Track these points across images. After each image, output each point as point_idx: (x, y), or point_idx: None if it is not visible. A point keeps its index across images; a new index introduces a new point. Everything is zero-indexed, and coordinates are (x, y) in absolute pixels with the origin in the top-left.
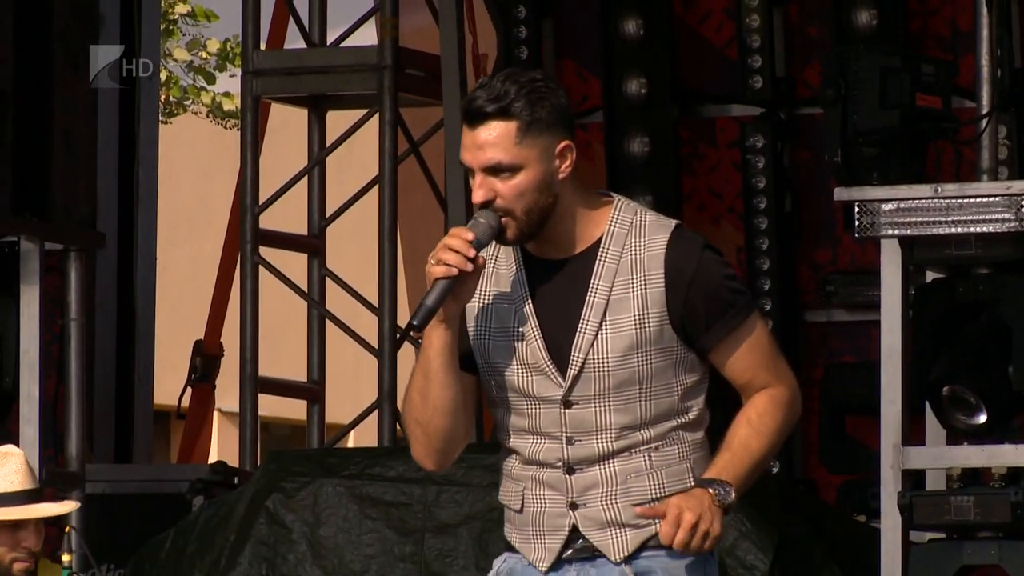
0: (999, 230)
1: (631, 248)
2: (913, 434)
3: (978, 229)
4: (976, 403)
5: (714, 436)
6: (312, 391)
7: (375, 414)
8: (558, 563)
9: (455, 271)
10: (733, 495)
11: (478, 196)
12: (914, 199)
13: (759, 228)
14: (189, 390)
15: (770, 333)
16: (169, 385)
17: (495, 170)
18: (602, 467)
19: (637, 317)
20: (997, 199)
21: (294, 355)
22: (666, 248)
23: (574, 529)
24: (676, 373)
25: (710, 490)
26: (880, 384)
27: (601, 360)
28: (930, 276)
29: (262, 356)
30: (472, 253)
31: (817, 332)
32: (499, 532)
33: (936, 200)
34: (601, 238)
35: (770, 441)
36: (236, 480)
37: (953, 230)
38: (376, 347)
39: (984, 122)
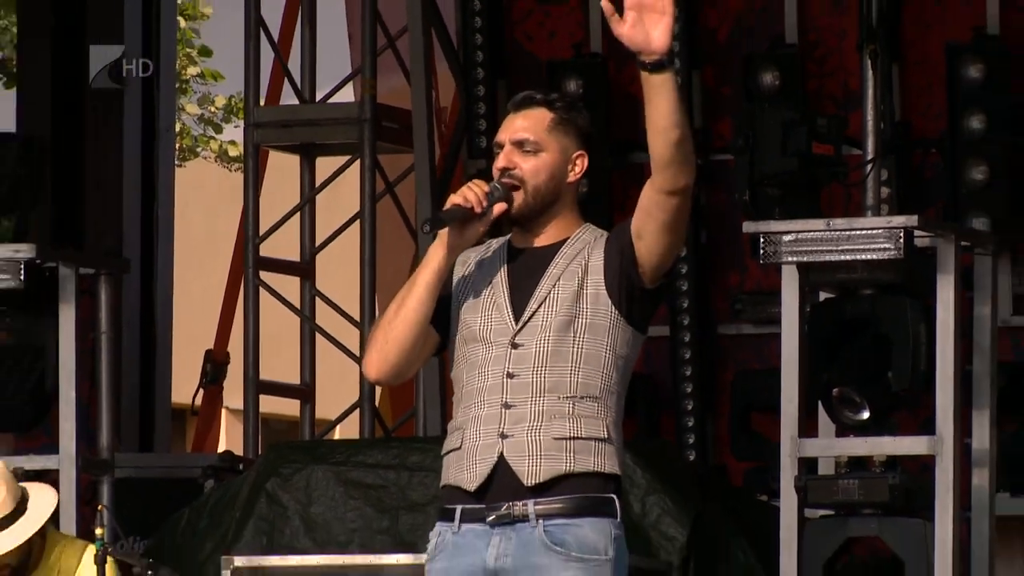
0: (881, 258)
1: (589, 245)
2: (808, 428)
3: (864, 257)
4: (861, 402)
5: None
6: (304, 392)
7: (357, 411)
8: (484, 504)
9: (470, 204)
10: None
11: (500, 162)
12: (810, 231)
13: (679, 257)
14: (201, 392)
15: None
16: (185, 387)
17: (521, 144)
18: (533, 404)
19: (579, 279)
20: (880, 231)
21: (289, 362)
22: (609, 236)
23: (501, 457)
24: (608, 335)
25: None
26: (781, 386)
27: (549, 310)
28: (823, 296)
29: (262, 363)
30: (485, 199)
31: (728, 343)
32: None
33: (828, 232)
34: (568, 238)
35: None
36: (241, 467)
37: (843, 257)
38: (358, 355)
39: (869, 167)
